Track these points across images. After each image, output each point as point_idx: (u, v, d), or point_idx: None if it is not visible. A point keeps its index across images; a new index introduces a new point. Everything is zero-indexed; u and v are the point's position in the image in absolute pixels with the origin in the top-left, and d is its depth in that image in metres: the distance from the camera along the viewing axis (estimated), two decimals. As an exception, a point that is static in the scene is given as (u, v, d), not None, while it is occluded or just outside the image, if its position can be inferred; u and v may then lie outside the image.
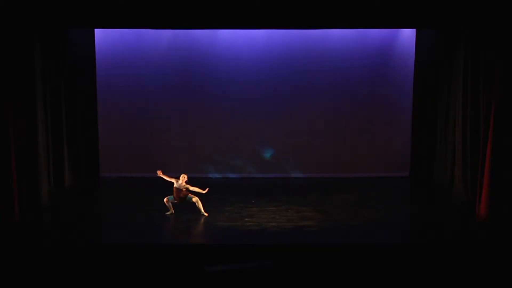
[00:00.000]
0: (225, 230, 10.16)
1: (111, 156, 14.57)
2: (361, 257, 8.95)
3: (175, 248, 9.31)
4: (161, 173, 11.16)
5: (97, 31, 14.10)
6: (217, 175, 14.58)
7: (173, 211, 10.98)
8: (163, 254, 9.04)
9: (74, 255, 8.94)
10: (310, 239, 9.74)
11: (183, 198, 10.93)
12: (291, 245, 9.39)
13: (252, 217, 10.86)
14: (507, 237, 9.65)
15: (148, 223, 10.53)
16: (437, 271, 8.60)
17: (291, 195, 12.66)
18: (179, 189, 10.89)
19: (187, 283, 8.31)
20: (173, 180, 10.99)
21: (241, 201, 12.04)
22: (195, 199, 10.94)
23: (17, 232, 10.01)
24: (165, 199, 10.99)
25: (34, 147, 11.30)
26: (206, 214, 10.93)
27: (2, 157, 10.34)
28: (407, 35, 14.15)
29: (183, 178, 10.96)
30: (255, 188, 13.54)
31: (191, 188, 10.92)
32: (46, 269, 8.54)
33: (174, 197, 10.95)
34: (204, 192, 10.84)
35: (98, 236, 10.24)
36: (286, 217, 10.85)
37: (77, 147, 13.89)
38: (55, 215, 11.23)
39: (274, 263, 8.58)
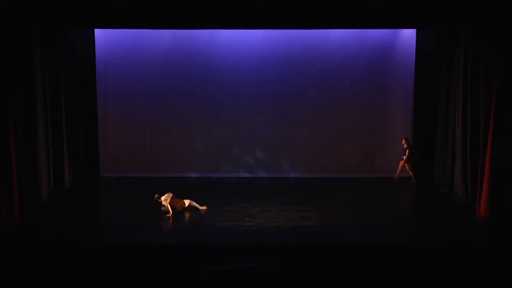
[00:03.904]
0: (225, 230, 10.16)
1: (111, 156, 14.58)
2: (361, 257, 8.95)
3: (175, 248, 9.30)
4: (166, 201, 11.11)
5: (97, 31, 14.11)
6: (217, 175, 14.58)
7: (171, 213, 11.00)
8: (163, 254, 9.03)
9: (74, 255, 8.93)
10: (310, 239, 9.74)
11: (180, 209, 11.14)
12: (291, 245, 9.38)
13: (252, 217, 10.86)
14: (507, 237, 9.65)
15: (148, 223, 10.53)
16: (438, 271, 8.60)
17: (291, 195, 12.67)
18: (174, 206, 11.05)
19: (187, 283, 8.30)
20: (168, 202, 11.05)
21: (241, 201, 12.04)
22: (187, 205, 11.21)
23: (17, 232, 10.01)
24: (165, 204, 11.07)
25: (34, 147, 11.31)
26: (204, 208, 11.22)
27: (2, 157, 10.35)
28: (407, 35, 14.16)
29: (167, 198, 11.03)
30: (255, 188, 13.55)
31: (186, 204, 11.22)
32: (46, 269, 8.54)
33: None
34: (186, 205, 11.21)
35: (98, 236, 10.23)
36: (286, 217, 10.85)
37: (77, 147, 13.90)
38: (55, 215, 11.22)
39: (274, 263, 8.57)
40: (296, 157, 14.64)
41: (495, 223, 10.27)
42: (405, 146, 13.90)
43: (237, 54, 14.35)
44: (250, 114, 14.56)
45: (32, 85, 11.27)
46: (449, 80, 12.87)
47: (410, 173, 14.05)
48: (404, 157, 13.87)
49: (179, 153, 14.64)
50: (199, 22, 11.18)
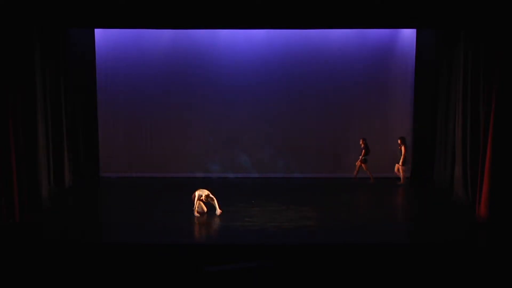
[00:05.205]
0: (225, 230, 10.16)
1: (111, 156, 14.58)
2: (361, 257, 8.95)
3: (175, 248, 9.30)
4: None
5: (97, 31, 14.11)
6: (217, 175, 14.57)
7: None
8: (163, 254, 9.03)
9: (74, 255, 8.93)
10: (310, 239, 9.74)
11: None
12: (291, 245, 9.38)
13: (252, 217, 10.86)
14: (507, 237, 9.65)
15: (148, 223, 10.53)
16: (437, 271, 8.60)
17: (291, 195, 12.66)
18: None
19: (187, 283, 8.30)
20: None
21: (241, 201, 12.03)
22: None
23: (17, 232, 10.01)
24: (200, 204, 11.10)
25: (34, 147, 11.30)
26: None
27: (2, 157, 10.35)
28: (407, 35, 14.16)
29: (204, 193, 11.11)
30: (255, 188, 13.55)
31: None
32: (46, 269, 8.54)
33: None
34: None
35: (98, 236, 10.23)
36: (286, 217, 10.85)
37: (77, 147, 13.90)
38: (55, 215, 11.22)
39: (274, 263, 8.57)
40: (296, 157, 14.63)
41: (495, 223, 10.27)
42: (362, 146, 13.83)
43: (237, 54, 14.35)
44: (250, 114, 14.55)
45: (32, 85, 11.25)
46: (449, 80, 12.87)
47: (368, 173, 13.97)
48: (360, 156, 13.87)
49: (179, 153, 14.63)
50: (199, 22, 11.17)
